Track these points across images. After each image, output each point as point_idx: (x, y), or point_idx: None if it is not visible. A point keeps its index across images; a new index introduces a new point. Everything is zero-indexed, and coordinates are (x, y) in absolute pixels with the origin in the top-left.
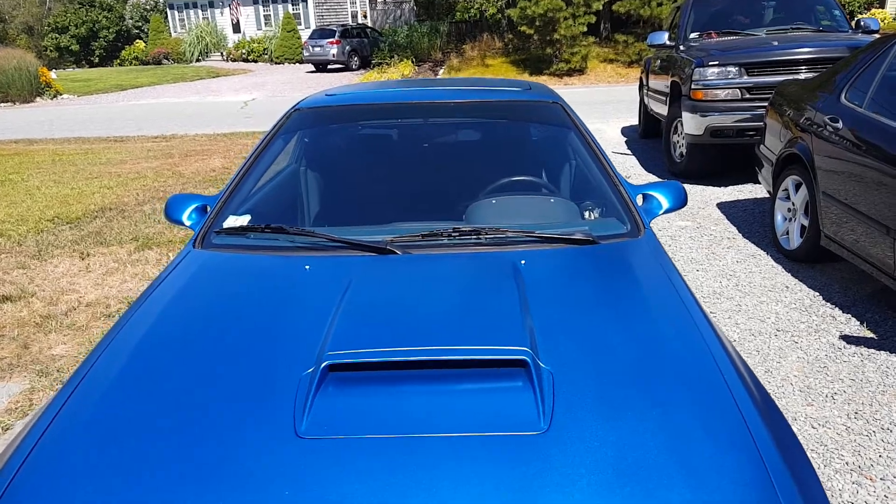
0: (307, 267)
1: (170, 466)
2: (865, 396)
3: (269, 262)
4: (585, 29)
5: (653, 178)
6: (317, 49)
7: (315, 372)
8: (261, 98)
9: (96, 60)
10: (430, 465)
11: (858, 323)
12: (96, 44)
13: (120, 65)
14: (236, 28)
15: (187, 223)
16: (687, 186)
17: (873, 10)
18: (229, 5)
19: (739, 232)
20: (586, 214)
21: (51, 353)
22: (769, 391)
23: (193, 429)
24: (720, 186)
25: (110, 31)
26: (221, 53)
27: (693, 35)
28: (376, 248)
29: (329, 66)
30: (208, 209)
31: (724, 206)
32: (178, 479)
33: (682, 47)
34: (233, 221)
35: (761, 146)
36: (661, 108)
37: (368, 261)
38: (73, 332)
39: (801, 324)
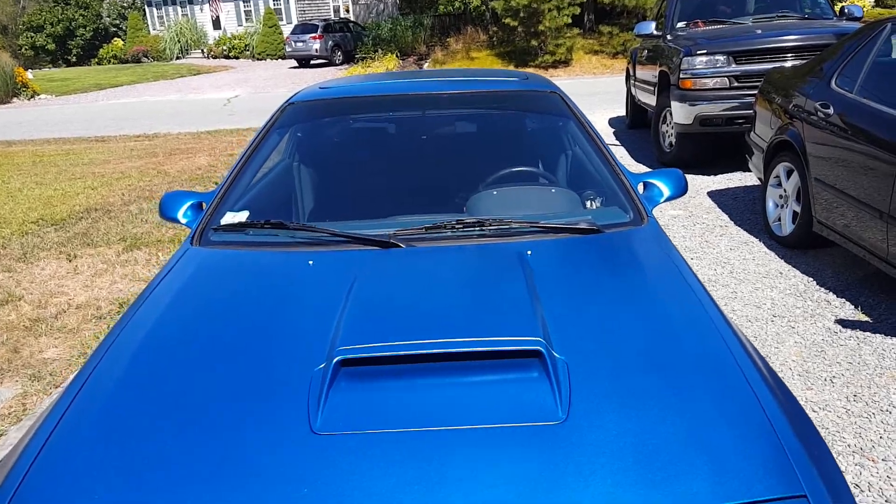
0: (310, 262)
1: (187, 466)
2: (863, 379)
3: (271, 259)
4: (570, 20)
5: (643, 169)
6: (299, 44)
7: (327, 367)
8: (244, 95)
9: (73, 59)
10: (450, 458)
11: (853, 307)
12: (73, 42)
13: (98, 63)
14: (216, 24)
15: (183, 221)
16: None
17: None
18: (209, 1)
19: (731, 220)
20: (587, 204)
21: (42, 356)
22: None
23: (207, 427)
24: (710, 175)
25: (87, 29)
26: (202, 50)
27: (680, 24)
28: (379, 242)
29: (312, 62)
30: (204, 206)
31: (714, 195)
32: (197, 479)
33: (669, 37)
34: (230, 218)
35: (751, 134)
36: (649, 99)
37: (372, 255)
38: (65, 335)
39: (797, 309)
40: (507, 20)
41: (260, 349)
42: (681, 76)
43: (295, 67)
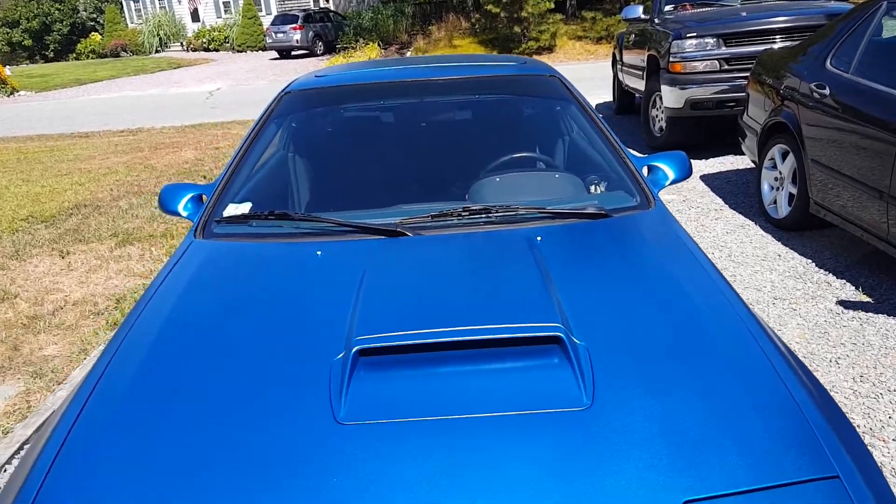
0: (319, 253)
1: (213, 458)
2: (869, 360)
3: (278, 250)
4: (552, 6)
5: (634, 155)
6: (280, 35)
7: (346, 357)
8: (225, 88)
9: (51, 55)
10: (477, 446)
11: (853, 288)
12: (50, 38)
13: (76, 59)
14: (195, 17)
15: (184, 214)
16: None
17: None
18: None
19: (726, 203)
20: (592, 188)
21: (42, 353)
22: None
23: (229, 419)
24: (702, 159)
25: (64, 24)
26: (181, 43)
27: (668, 7)
28: (386, 231)
29: (293, 53)
30: (204, 198)
31: (707, 179)
32: (225, 470)
33: (657, 20)
34: (233, 210)
35: (744, 116)
36: (637, 84)
37: (380, 244)
38: (64, 332)
39: (798, 291)
40: (490, 7)
41: (277, 341)
42: (670, 60)
43: (276, 59)
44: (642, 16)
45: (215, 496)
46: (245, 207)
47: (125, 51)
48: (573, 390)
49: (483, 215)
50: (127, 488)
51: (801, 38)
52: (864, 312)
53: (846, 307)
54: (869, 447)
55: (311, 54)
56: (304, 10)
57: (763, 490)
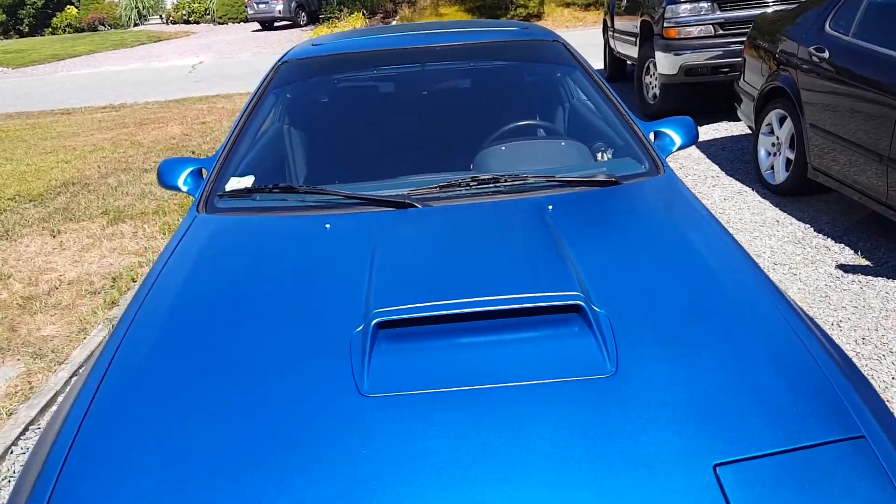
0: (327, 226)
1: (239, 435)
2: (870, 322)
3: (285, 224)
4: None
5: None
6: (262, 6)
7: (366, 330)
8: (208, 61)
9: (26, 30)
10: (503, 416)
11: (852, 251)
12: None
13: (53, 33)
14: None
15: (184, 189)
16: None
17: None
18: None
19: (722, 170)
20: (598, 156)
21: (40, 334)
22: None
23: (253, 395)
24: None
25: None
26: (160, 16)
27: None
28: (395, 203)
29: (276, 24)
30: (205, 173)
31: (702, 146)
32: (252, 447)
33: None
34: (235, 184)
35: (741, 81)
36: (629, 50)
37: (389, 216)
38: (61, 312)
39: (797, 256)
40: None
41: (293, 315)
42: (664, 25)
43: (258, 30)
44: None
45: (245, 471)
46: (248, 181)
47: (103, 24)
48: (597, 358)
49: (492, 185)
50: (153, 469)
51: (796, 1)
52: (863, 276)
53: (846, 271)
54: None
55: (294, 25)
56: None
57: (791, 451)
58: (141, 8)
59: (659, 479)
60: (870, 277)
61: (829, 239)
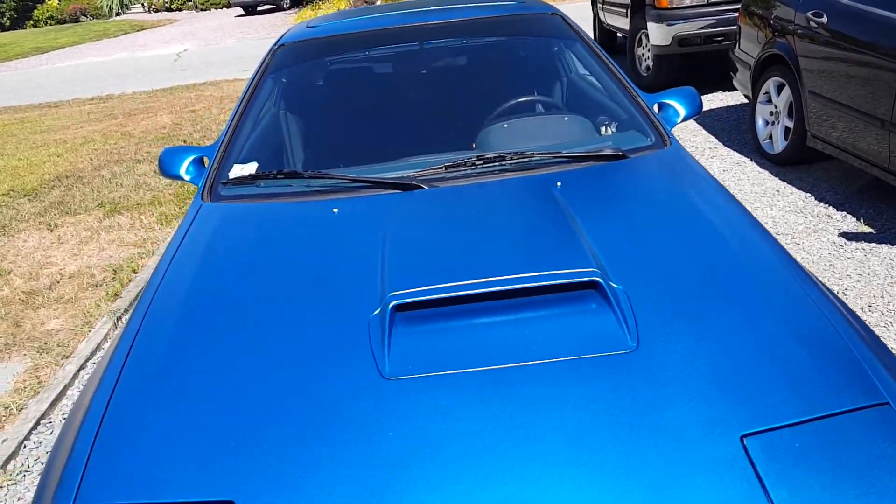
0: (335, 210)
1: (265, 419)
2: (875, 289)
3: (292, 210)
4: None
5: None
6: None
7: (383, 313)
8: (194, 48)
9: (7, 23)
10: (527, 394)
11: (854, 219)
12: (4, 5)
13: (34, 26)
14: None
15: (186, 177)
16: None
17: None
18: None
19: (719, 141)
20: (603, 130)
21: (45, 328)
22: None
23: (276, 380)
24: None
25: None
26: (142, 4)
27: None
28: (401, 185)
29: (258, 8)
30: (206, 161)
31: (698, 117)
32: (279, 431)
33: None
34: (239, 171)
35: (736, 50)
36: (620, 22)
37: (396, 198)
38: (64, 306)
39: (799, 225)
40: None
41: (309, 300)
42: None
43: (241, 16)
44: None
45: (273, 456)
46: (251, 167)
47: (84, 15)
48: (617, 334)
49: (498, 163)
50: (180, 456)
51: None
52: (866, 243)
53: (849, 239)
54: None
55: (278, 9)
56: None
57: (817, 420)
58: None
59: (687, 452)
60: (873, 244)
61: (831, 207)
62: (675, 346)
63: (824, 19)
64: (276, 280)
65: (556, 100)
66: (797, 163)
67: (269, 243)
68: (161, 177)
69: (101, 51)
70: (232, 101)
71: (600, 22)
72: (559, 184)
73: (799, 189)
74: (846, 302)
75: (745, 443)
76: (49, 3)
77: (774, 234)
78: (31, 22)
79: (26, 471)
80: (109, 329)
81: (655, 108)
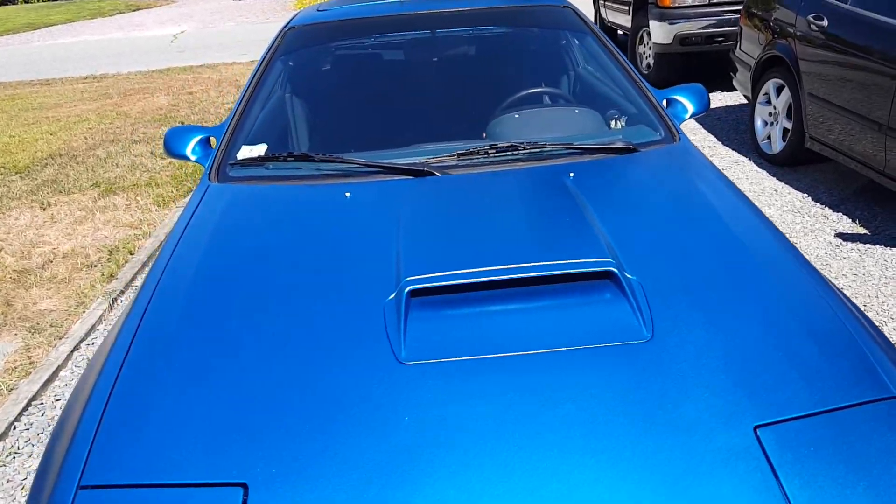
0: (347, 195)
1: (280, 404)
2: (870, 290)
3: (303, 193)
4: None
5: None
6: None
7: (399, 298)
8: (191, 30)
9: None
10: (542, 382)
11: (850, 220)
12: None
13: (26, 2)
14: None
15: (192, 157)
16: None
17: None
18: None
19: (718, 140)
20: (612, 123)
21: (37, 308)
22: None
23: (290, 364)
24: None
25: None
26: None
27: None
28: (413, 171)
29: None
30: (213, 141)
31: (698, 116)
32: (295, 416)
33: None
34: (247, 152)
35: (737, 50)
36: (622, 20)
37: (410, 184)
38: (56, 286)
39: (797, 225)
40: None
41: (322, 284)
42: None
43: None
44: None
45: (288, 439)
46: (260, 149)
47: None
48: (632, 324)
49: (510, 152)
50: (192, 437)
51: None
52: (862, 244)
53: (845, 239)
54: None
55: None
56: None
57: (828, 412)
58: None
59: (701, 442)
60: (868, 245)
61: (828, 208)
62: (689, 337)
63: (825, 23)
64: (288, 262)
65: (566, 92)
66: (795, 164)
67: (280, 225)
68: (160, 158)
69: (96, 29)
70: (230, 84)
71: (601, 18)
72: (572, 174)
73: (796, 189)
74: None
75: (758, 434)
76: None
77: None
78: None
79: (16, 453)
80: (105, 310)
81: (664, 103)
